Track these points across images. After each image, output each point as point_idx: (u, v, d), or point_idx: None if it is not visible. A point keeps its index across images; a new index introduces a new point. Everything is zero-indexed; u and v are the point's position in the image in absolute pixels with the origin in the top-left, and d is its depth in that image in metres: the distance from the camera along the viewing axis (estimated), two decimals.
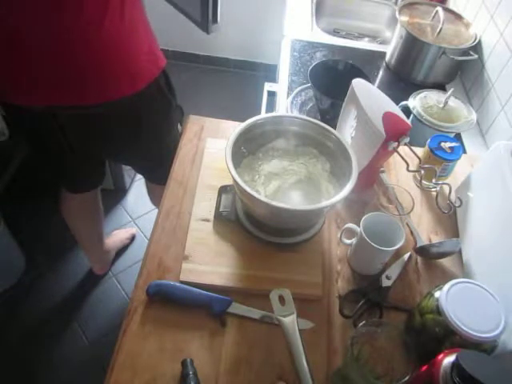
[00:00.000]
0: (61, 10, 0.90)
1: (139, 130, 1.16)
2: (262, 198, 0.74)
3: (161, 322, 0.75)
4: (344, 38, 1.71)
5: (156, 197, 1.56)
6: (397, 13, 1.41)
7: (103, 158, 1.37)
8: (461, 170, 1.03)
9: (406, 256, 0.87)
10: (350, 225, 0.84)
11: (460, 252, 0.89)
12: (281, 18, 1.73)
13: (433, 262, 0.89)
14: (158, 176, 1.40)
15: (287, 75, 1.39)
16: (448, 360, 0.58)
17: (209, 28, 1.47)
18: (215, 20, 1.48)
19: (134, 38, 1.03)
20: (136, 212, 2.05)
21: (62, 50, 0.94)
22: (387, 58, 1.51)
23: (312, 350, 0.69)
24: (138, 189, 2.12)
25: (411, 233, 0.90)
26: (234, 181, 0.76)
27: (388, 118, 0.85)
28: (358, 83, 0.92)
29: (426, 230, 0.94)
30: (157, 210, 0.92)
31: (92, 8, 0.92)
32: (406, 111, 1.09)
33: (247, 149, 0.87)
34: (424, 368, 0.62)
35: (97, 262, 1.79)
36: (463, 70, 1.45)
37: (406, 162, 0.88)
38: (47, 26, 0.91)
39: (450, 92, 1.13)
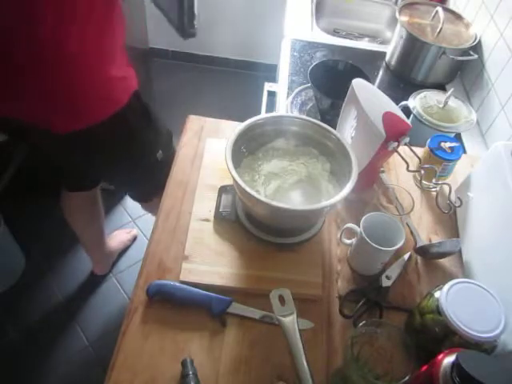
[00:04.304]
0: (30, 24, 0.86)
1: (103, 155, 1.13)
2: (262, 198, 0.74)
3: (161, 322, 0.75)
4: (344, 38, 1.71)
5: (148, 209, 1.59)
6: (397, 13, 1.41)
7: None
8: (461, 170, 1.03)
9: (406, 256, 0.87)
10: (350, 225, 0.84)
11: (460, 252, 0.89)
12: (281, 18, 1.73)
13: (433, 262, 0.89)
14: (137, 195, 1.43)
15: (287, 75, 1.39)
16: (448, 360, 0.58)
17: (184, 33, 1.48)
18: (191, 26, 1.48)
19: (104, 63, 0.98)
20: (136, 212, 2.04)
21: (29, 68, 0.91)
22: (387, 58, 1.51)
23: (312, 350, 0.69)
24: None
25: (411, 233, 0.90)
26: (234, 181, 0.76)
27: (388, 118, 0.85)
28: (358, 83, 0.92)
29: (425, 230, 0.94)
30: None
31: (53, 25, 0.87)
32: (406, 111, 1.09)
33: (247, 149, 0.87)
34: (424, 368, 0.62)
35: (98, 263, 1.79)
36: (463, 70, 1.45)
37: (406, 162, 0.88)
38: (25, 40, 0.88)
39: (450, 92, 1.13)
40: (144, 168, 1.23)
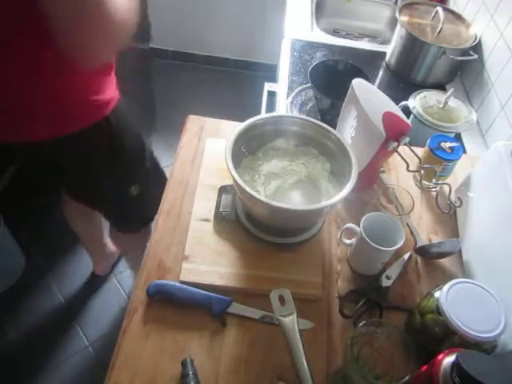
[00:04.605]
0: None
1: (61, 177, 1.09)
2: (262, 198, 0.74)
3: (161, 322, 0.75)
4: (344, 38, 1.71)
5: (118, 243, 1.54)
6: (397, 13, 1.41)
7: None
8: (461, 170, 1.03)
9: (406, 256, 0.87)
10: (350, 225, 0.84)
11: (460, 252, 0.89)
12: (281, 18, 1.73)
13: (433, 262, 0.89)
14: (114, 221, 1.36)
15: (287, 75, 1.39)
16: (448, 360, 0.58)
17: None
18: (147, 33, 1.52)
19: (86, 87, 0.92)
20: None
21: None
22: (387, 58, 1.51)
23: (312, 350, 0.69)
24: None
25: (411, 233, 0.90)
26: (234, 181, 0.76)
27: (388, 118, 0.85)
28: (358, 83, 0.92)
29: (425, 230, 0.94)
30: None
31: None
32: (406, 111, 1.09)
33: (247, 149, 0.87)
34: (424, 368, 0.62)
35: (99, 263, 1.79)
36: (463, 70, 1.45)
37: (406, 162, 0.88)
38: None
39: (450, 92, 1.13)
40: (111, 195, 1.15)
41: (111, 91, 1.00)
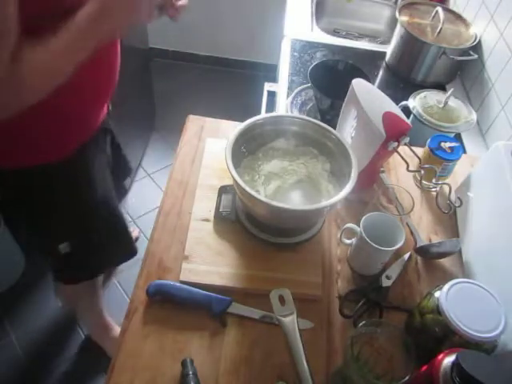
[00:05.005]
0: None
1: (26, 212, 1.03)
2: (262, 198, 0.74)
3: (161, 322, 0.75)
4: (344, 37, 1.71)
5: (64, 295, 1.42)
6: (397, 13, 1.41)
7: None
8: (461, 170, 1.03)
9: (406, 256, 0.87)
10: (350, 225, 0.84)
11: (460, 252, 0.89)
12: (281, 18, 1.73)
13: (433, 262, 0.89)
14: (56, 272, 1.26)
15: (287, 75, 1.39)
16: (448, 360, 0.58)
17: None
18: None
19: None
20: (136, 212, 2.04)
21: None
22: (387, 57, 1.51)
23: (312, 350, 0.69)
24: (138, 189, 2.12)
25: (411, 233, 0.90)
26: (234, 181, 0.76)
27: (388, 118, 0.85)
28: (358, 83, 0.92)
29: (425, 230, 0.94)
30: (157, 210, 0.92)
31: None
32: (406, 111, 1.09)
33: (247, 149, 0.87)
34: (424, 368, 0.63)
35: None
36: (463, 70, 1.45)
37: (406, 162, 0.88)
38: None
39: (450, 92, 1.13)
40: (42, 239, 1.09)
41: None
